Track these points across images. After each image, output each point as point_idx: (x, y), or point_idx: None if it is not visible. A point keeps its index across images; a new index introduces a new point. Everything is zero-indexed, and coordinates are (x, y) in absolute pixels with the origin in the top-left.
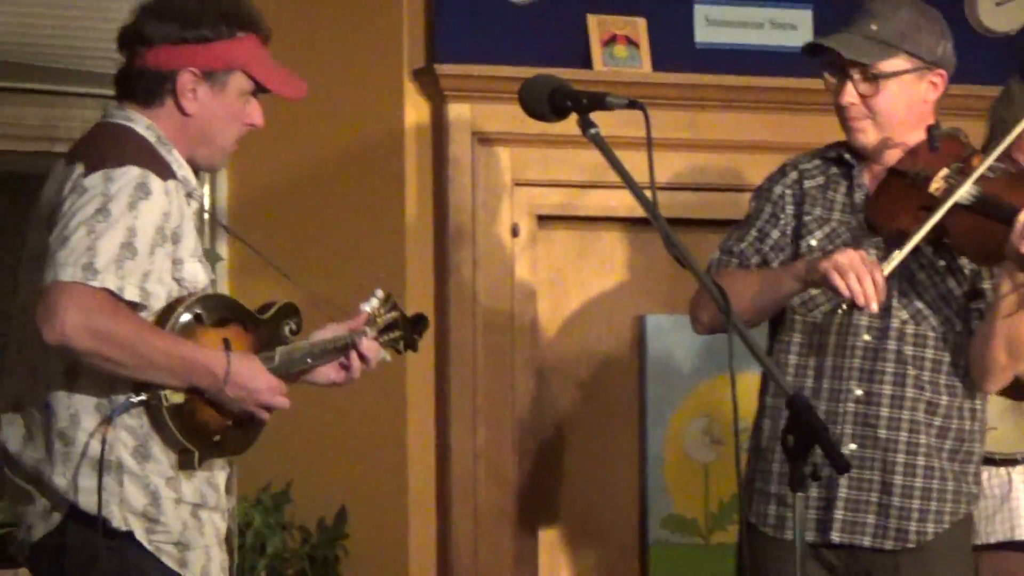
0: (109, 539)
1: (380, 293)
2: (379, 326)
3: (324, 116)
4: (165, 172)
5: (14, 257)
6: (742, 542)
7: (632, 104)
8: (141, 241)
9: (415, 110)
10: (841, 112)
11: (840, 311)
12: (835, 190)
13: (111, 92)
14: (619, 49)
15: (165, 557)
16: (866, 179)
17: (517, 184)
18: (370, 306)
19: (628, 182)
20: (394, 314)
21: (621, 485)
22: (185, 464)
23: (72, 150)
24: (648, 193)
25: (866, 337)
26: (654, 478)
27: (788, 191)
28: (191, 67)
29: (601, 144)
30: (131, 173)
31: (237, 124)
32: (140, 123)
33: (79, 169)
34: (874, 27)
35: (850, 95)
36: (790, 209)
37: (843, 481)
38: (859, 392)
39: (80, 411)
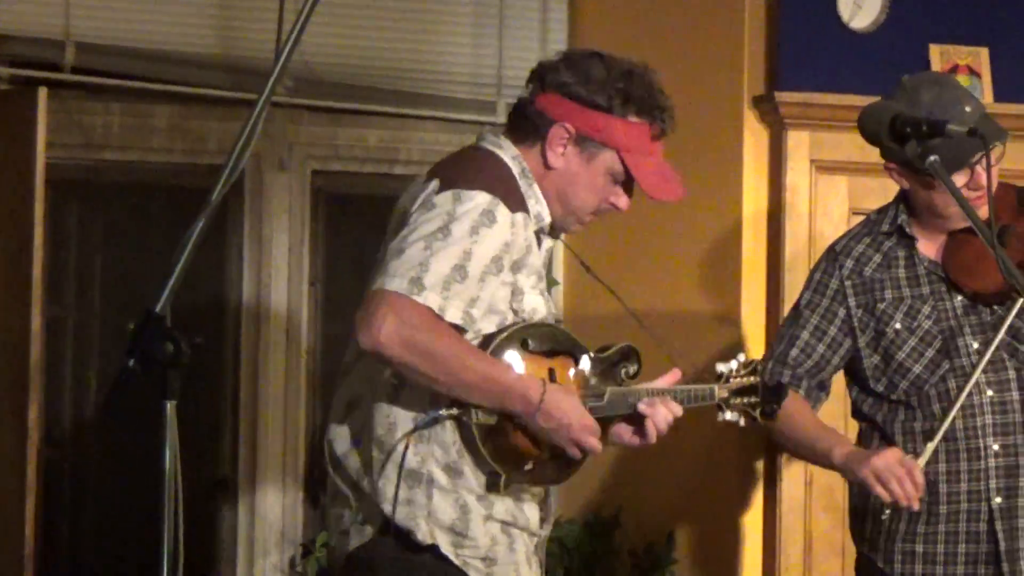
0: (414, 552)
1: (742, 357)
2: (731, 388)
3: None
4: (516, 204)
5: (359, 275)
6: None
7: (972, 133)
8: (474, 266)
9: (754, 137)
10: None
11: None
12: (896, 265)
13: (451, 115)
14: (961, 79)
15: (472, 572)
16: (927, 247)
17: (855, 213)
18: (727, 367)
19: (967, 212)
20: (752, 379)
21: None
22: (491, 487)
23: (434, 166)
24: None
25: (990, 393)
26: None
27: (847, 283)
28: (567, 123)
29: (940, 174)
30: (480, 198)
31: (596, 198)
32: (508, 152)
33: (433, 184)
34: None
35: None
36: (853, 301)
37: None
38: (996, 447)
39: (398, 421)
